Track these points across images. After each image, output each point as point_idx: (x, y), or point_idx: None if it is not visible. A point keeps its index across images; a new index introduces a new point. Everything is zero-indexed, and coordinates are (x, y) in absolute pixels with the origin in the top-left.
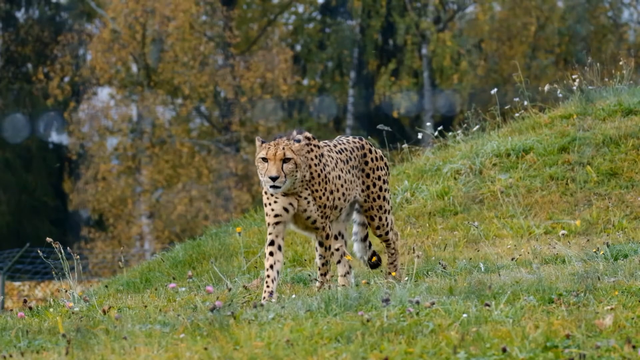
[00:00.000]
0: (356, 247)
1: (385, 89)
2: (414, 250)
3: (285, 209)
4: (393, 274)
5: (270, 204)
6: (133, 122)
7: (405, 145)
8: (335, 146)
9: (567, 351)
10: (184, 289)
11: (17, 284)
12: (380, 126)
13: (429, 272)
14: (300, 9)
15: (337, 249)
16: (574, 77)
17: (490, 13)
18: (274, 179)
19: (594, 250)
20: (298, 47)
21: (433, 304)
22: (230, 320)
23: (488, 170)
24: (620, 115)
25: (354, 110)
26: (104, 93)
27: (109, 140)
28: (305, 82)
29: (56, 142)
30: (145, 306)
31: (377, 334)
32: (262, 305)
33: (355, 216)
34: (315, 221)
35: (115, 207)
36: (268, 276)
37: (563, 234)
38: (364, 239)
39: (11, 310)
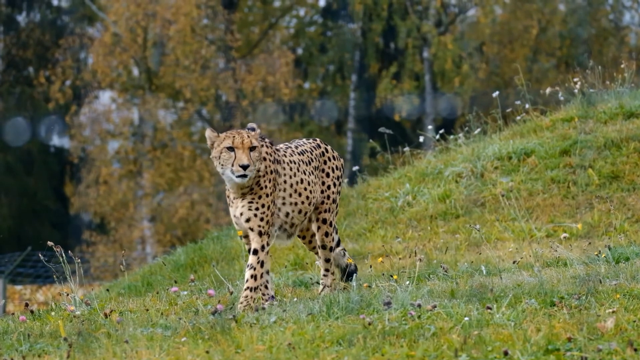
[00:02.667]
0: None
1: (386, 92)
2: (415, 253)
3: (236, 223)
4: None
5: (232, 216)
6: (134, 126)
7: (406, 149)
8: (296, 147)
9: (568, 354)
10: (185, 292)
11: (18, 287)
12: (381, 129)
13: (431, 276)
14: (302, 12)
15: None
16: (575, 80)
17: (491, 16)
18: (245, 167)
19: (596, 253)
20: (299, 51)
21: (435, 307)
22: (231, 324)
23: (489, 173)
24: (622, 118)
25: (355, 114)
26: (105, 96)
27: (110, 144)
28: (306, 85)
29: (57, 146)
30: (147, 310)
31: (379, 337)
32: (263, 308)
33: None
34: (249, 219)
35: (116, 211)
36: (263, 284)
37: (564, 237)
38: (337, 244)
39: (13, 314)
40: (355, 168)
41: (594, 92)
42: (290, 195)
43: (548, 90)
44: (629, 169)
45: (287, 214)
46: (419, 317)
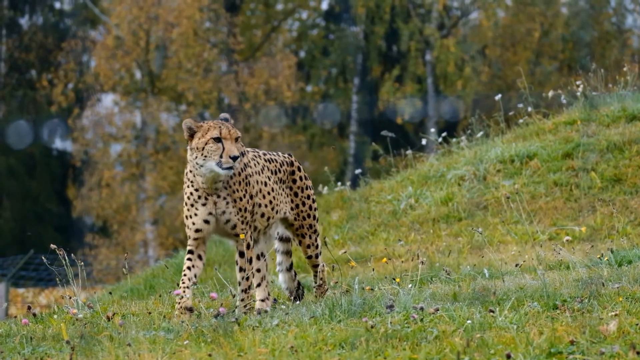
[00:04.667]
0: (281, 277)
1: (389, 95)
2: (418, 256)
3: (207, 221)
4: None
5: (190, 217)
6: (137, 129)
7: (409, 152)
8: (265, 154)
9: (571, 357)
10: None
11: (21, 290)
12: (384, 132)
13: (433, 278)
14: (304, 15)
15: (258, 270)
16: (577, 83)
17: (494, 19)
18: (235, 158)
19: (598, 256)
20: (302, 54)
21: (437, 310)
22: (234, 327)
23: (492, 176)
24: (624, 121)
25: (358, 117)
26: (107, 99)
27: (112, 147)
28: (309, 88)
29: (60, 149)
30: (149, 313)
31: (381, 340)
32: (266, 312)
33: (277, 245)
34: (235, 226)
35: (119, 214)
36: (184, 290)
37: (567, 240)
38: (289, 268)
39: (15, 316)
40: (358, 171)
41: (597, 95)
42: (255, 195)
43: (551, 93)
44: (632, 172)
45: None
46: (421, 320)
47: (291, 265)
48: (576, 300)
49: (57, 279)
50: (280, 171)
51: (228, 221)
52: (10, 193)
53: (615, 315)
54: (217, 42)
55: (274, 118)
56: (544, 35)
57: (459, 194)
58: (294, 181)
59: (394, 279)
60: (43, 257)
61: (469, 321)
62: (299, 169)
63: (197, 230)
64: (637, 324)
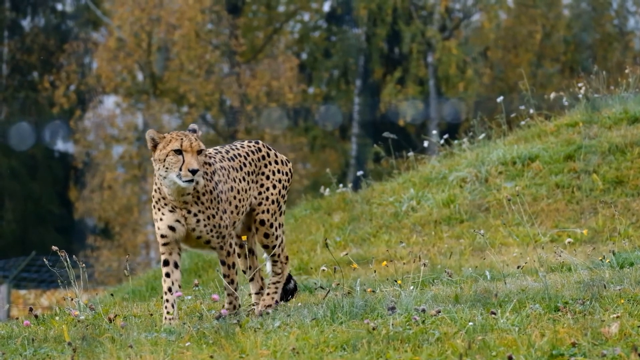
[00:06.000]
0: (269, 267)
1: (390, 97)
2: (419, 258)
3: (172, 228)
4: (267, 300)
5: (158, 220)
6: (139, 131)
7: (411, 154)
8: (227, 152)
9: (573, 359)
10: (189, 297)
11: (22, 292)
12: (385, 134)
13: (435, 280)
14: (306, 17)
15: (250, 267)
16: (579, 85)
17: (495, 21)
18: (195, 171)
19: (600, 258)
20: (304, 56)
21: (439, 312)
22: (236, 329)
23: (494, 178)
24: (626, 123)
25: (360, 119)
26: (109, 101)
27: (114, 149)
28: (310, 90)
29: (62, 151)
30: (151, 314)
31: (383, 342)
32: (267, 313)
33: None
34: (209, 242)
35: (121, 216)
36: (167, 300)
37: (569, 242)
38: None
39: (17, 318)
40: (360, 173)
41: (599, 97)
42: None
43: (552, 95)
44: (633, 174)
45: None
46: (423, 322)
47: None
48: (578, 302)
49: (59, 281)
50: (246, 164)
51: (200, 237)
52: (12, 195)
53: (617, 317)
54: (219, 43)
55: (276, 120)
56: (545, 37)
57: (460, 196)
58: (266, 165)
59: (396, 281)
60: (45, 259)
61: (470, 323)
62: (269, 155)
63: (162, 236)
64: (638, 326)
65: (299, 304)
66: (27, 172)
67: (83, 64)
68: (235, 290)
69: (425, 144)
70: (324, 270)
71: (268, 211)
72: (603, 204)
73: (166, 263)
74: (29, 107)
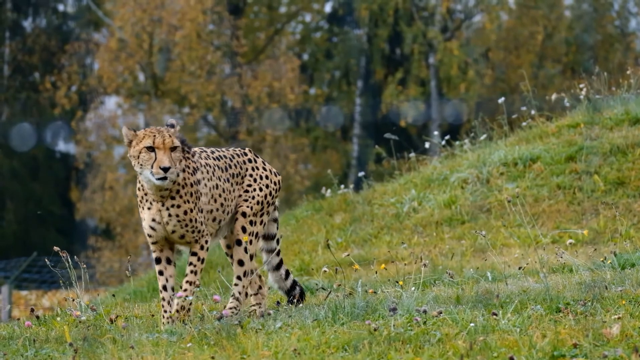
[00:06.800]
0: (271, 277)
1: (392, 98)
2: (421, 259)
3: (152, 227)
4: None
5: (143, 219)
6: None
7: (412, 155)
8: (213, 152)
9: None
10: (191, 297)
11: (24, 293)
12: (387, 135)
13: (436, 281)
14: (308, 18)
15: (257, 293)
16: (581, 86)
17: (497, 22)
18: (166, 169)
19: (601, 259)
20: (305, 56)
21: (440, 313)
22: (237, 330)
23: (495, 179)
24: (628, 124)
25: (361, 120)
26: (111, 102)
27: (116, 149)
28: (312, 91)
29: (63, 151)
30: (153, 315)
31: (385, 343)
32: (269, 314)
33: (261, 243)
34: (183, 236)
35: (122, 216)
36: (163, 299)
37: (570, 243)
38: (278, 266)
39: (18, 319)
40: (361, 174)
41: (600, 98)
42: (207, 202)
43: (554, 96)
44: (635, 175)
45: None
46: (424, 323)
47: (279, 264)
48: (579, 304)
49: (60, 282)
50: (231, 166)
51: (174, 232)
52: (14, 195)
53: (618, 318)
54: (220, 44)
55: (277, 121)
56: (547, 38)
57: (462, 197)
58: (253, 169)
59: (397, 282)
60: (46, 260)
61: (472, 324)
62: (255, 160)
63: (148, 235)
64: None
65: (300, 305)
66: (29, 173)
67: (84, 64)
68: (195, 282)
69: (427, 145)
70: (325, 271)
71: (252, 208)
72: (604, 205)
73: (158, 261)
74: (30, 108)
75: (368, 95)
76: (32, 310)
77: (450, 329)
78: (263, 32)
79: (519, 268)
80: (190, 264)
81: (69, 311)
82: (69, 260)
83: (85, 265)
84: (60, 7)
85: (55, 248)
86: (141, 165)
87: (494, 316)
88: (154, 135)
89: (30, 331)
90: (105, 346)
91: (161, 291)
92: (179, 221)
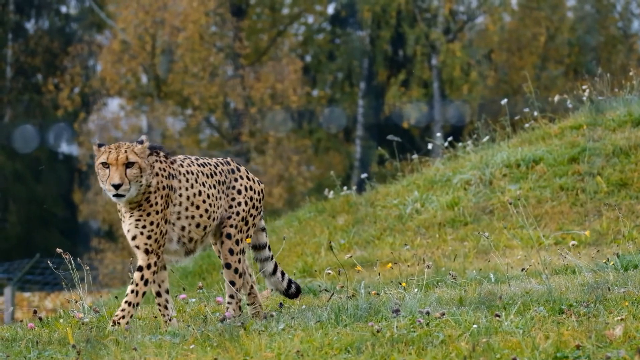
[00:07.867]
0: (268, 282)
1: (395, 100)
2: (424, 260)
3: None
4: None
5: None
6: (143, 133)
7: (415, 156)
8: (197, 159)
9: None
10: (194, 299)
11: (27, 294)
12: (390, 137)
13: (439, 283)
14: (310, 19)
15: (233, 283)
16: (583, 87)
17: (499, 24)
18: (117, 186)
19: (604, 260)
20: (308, 58)
21: (443, 314)
22: (240, 331)
23: (498, 180)
24: (631, 125)
25: (364, 121)
26: (113, 104)
27: None
28: (315, 92)
29: (66, 153)
30: (155, 317)
31: (387, 344)
32: (265, 317)
33: (253, 254)
34: (137, 245)
35: None
36: (159, 304)
37: (573, 245)
38: (273, 272)
39: (21, 321)
40: (364, 175)
41: (603, 99)
42: (187, 209)
43: (556, 97)
44: (638, 177)
45: (184, 228)
46: (427, 324)
47: (274, 269)
48: (582, 305)
49: (63, 283)
50: (216, 173)
51: (134, 238)
52: (16, 197)
53: (621, 319)
54: (223, 46)
55: (280, 122)
56: (550, 40)
57: (464, 198)
58: (236, 179)
59: (400, 284)
60: (49, 261)
61: (475, 325)
62: (239, 170)
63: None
64: None
65: (303, 306)
66: (31, 175)
67: (87, 66)
68: (136, 305)
69: (430, 146)
70: (328, 272)
71: (235, 226)
72: (607, 206)
73: (148, 267)
74: (33, 109)
75: (371, 97)
76: (35, 312)
77: (453, 330)
78: (265, 34)
79: (522, 269)
80: (133, 282)
81: (72, 313)
82: (72, 262)
83: (88, 267)
84: (63, 9)
85: (58, 250)
86: (101, 181)
87: (497, 318)
88: (109, 151)
89: (33, 333)
90: (108, 348)
91: (156, 297)
92: (137, 225)
